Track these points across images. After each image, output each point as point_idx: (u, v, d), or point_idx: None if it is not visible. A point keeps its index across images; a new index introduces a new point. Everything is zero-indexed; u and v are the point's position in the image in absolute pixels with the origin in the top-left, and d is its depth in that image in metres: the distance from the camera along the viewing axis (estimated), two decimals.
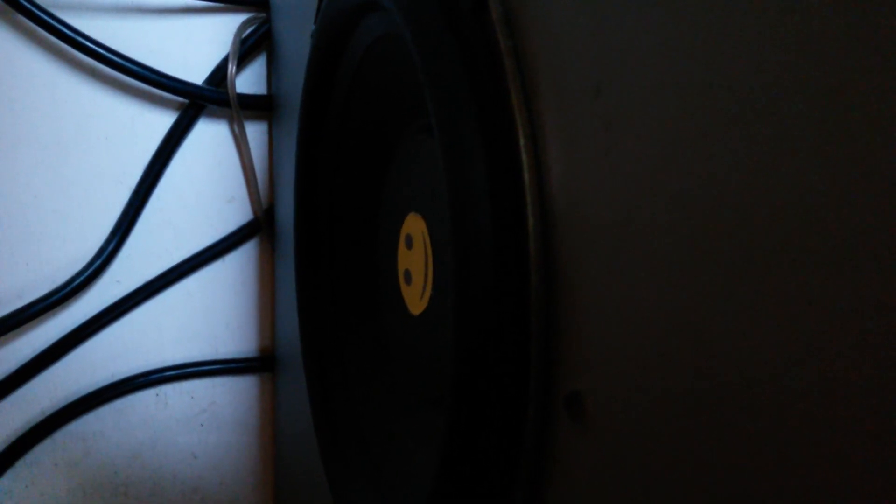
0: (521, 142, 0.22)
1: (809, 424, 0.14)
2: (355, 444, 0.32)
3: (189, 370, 0.50)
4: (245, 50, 0.48)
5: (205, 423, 0.52)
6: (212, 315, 0.51)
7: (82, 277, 0.46)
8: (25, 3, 0.42)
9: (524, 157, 0.22)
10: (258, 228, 0.51)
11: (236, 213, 0.50)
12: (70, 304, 0.47)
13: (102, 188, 0.47)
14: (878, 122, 0.13)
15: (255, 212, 0.51)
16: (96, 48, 0.44)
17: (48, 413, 0.48)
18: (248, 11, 0.48)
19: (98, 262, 0.47)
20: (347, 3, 0.28)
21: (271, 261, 0.52)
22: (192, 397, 0.51)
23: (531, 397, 0.21)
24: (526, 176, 0.22)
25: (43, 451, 0.48)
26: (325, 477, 0.33)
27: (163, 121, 0.48)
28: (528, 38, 0.21)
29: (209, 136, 0.49)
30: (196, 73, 0.48)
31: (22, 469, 0.48)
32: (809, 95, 0.14)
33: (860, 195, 0.13)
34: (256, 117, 0.50)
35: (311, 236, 0.36)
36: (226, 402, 0.52)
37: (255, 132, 0.50)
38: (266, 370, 0.52)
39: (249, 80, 0.49)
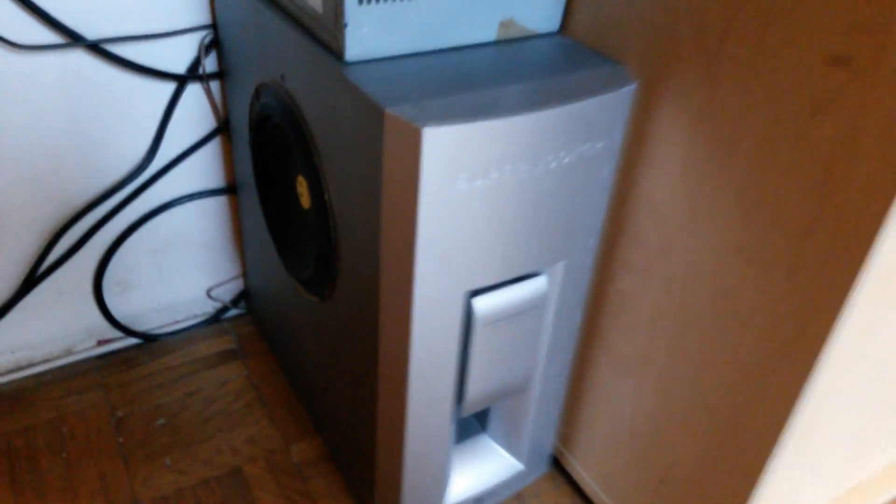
0: (321, 170, 0.79)
1: None
2: (285, 239, 0.92)
3: (197, 195, 1.08)
4: (206, 48, 0.98)
5: (206, 218, 1.11)
6: (204, 171, 1.07)
7: (144, 163, 1.01)
8: (103, 47, 0.91)
9: (321, 174, 0.79)
10: (220, 130, 1.05)
11: (209, 123, 1.04)
12: (139, 177, 1.02)
13: (142, 123, 0.99)
14: None
15: (218, 121, 1.04)
16: (139, 64, 0.94)
17: (133, 221, 1.05)
18: (206, 29, 0.97)
19: (149, 155, 1.01)
20: (266, 110, 0.81)
21: (229, 145, 1.07)
22: (198, 207, 1.09)
23: (333, 245, 0.82)
24: (324, 177, 0.79)
25: (133, 238, 1.07)
26: (268, 249, 0.94)
27: (168, 89, 0.99)
28: (322, 154, 0.78)
29: (193, 92, 1.00)
30: (180, 63, 0.98)
31: (124, 247, 1.07)
32: None
33: None
34: (215, 80, 1.01)
35: (259, 167, 0.92)
36: (216, 210, 1.11)
37: (215, 86, 1.01)
38: (233, 193, 1.10)
39: (209, 63, 1.00)
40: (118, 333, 1.14)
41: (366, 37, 0.65)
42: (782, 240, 0.59)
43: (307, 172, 0.79)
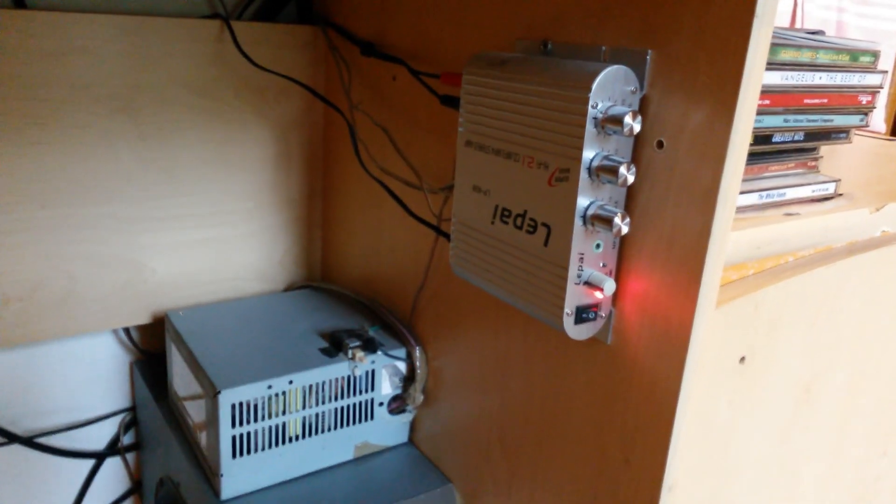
0: None
1: None
2: None
3: None
4: (125, 427, 1.13)
5: None
6: None
7: None
8: (35, 441, 1.05)
9: None
10: (133, 490, 1.18)
11: (125, 484, 1.17)
12: None
13: (63, 493, 1.12)
14: None
15: (131, 482, 1.17)
16: (65, 449, 1.08)
17: None
18: (126, 411, 1.13)
19: None
20: (165, 501, 0.95)
21: (140, 500, 1.19)
22: None
23: None
24: None
25: None
26: None
27: (90, 462, 1.13)
28: None
29: (111, 460, 1.14)
30: (102, 439, 1.13)
31: None
32: None
33: None
34: (131, 451, 1.16)
35: None
36: None
37: (130, 457, 1.16)
38: None
39: (128, 436, 1.15)
40: None
41: (238, 480, 0.81)
42: None
43: None
